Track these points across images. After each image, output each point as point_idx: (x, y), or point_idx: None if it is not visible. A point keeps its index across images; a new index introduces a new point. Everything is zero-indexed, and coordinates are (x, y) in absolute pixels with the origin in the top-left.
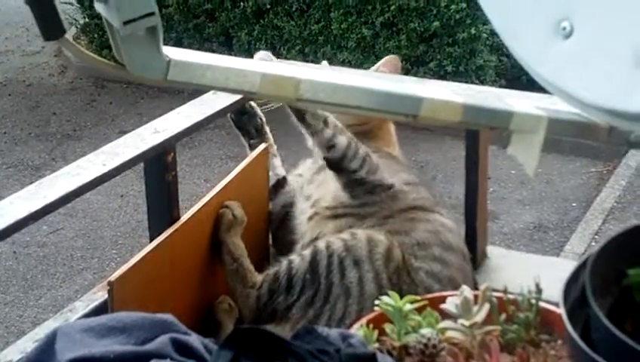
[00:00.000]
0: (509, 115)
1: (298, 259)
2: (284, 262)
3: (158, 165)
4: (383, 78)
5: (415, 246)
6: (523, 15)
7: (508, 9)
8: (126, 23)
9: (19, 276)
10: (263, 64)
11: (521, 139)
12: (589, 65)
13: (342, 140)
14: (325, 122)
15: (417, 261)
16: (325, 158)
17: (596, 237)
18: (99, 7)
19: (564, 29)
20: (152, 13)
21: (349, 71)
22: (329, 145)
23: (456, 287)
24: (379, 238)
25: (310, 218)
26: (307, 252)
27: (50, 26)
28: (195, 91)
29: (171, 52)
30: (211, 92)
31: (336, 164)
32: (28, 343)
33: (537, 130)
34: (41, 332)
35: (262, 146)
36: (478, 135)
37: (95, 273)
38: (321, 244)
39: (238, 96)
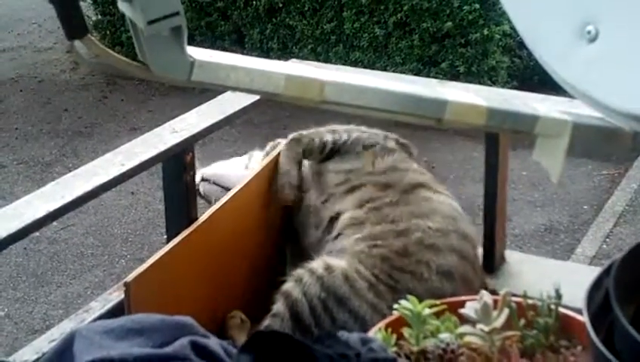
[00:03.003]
0: (534, 120)
1: (277, 320)
2: (263, 325)
3: (177, 165)
4: (409, 81)
5: (437, 232)
6: (547, 19)
7: (532, 12)
8: (150, 22)
9: (29, 272)
10: (287, 66)
11: (546, 143)
12: (613, 70)
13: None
14: None
15: (436, 255)
16: None
17: (607, 240)
18: (122, 6)
19: (589, 32)
20: (176, 13)
21: (372, 73)
22: None
23: (467, 282)
24: (353, 275)
25: (325, 200)
26: (281, 307)
27: (74, 25)
28: (206, 89)
29: (195, 52)
30: (230, 91)
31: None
32: (44, 343)
33: (562, 134)
34: (56, 332)
35: (281, 145)
36: (497, 138)
37: (105, 270)
38: (296, 291)
39: (258, 96)
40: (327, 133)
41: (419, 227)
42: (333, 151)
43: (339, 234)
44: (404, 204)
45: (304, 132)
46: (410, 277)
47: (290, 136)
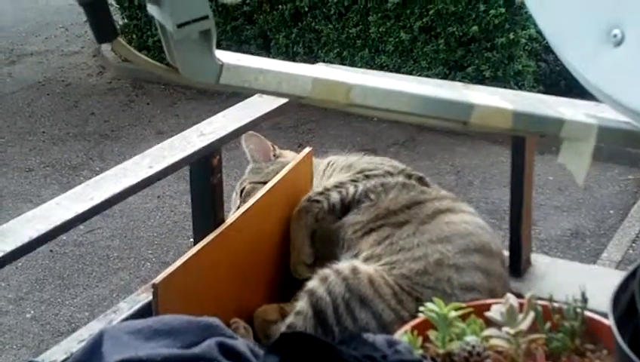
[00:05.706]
0: (559, 123)
1: (300, 317)
2: (286, 323)
3: (204, 168)
4: (434, 85)
5: (457, 253)
6: (573, 22)
7: (558, 16)
8: (180, 26)
9: (55, 275)
10: (315, 69)
11: (571, 147)
12: (639, 73)
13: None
14: None
15: (458, 273)
16: None
17: (633, 245)
18: (152, 9)
19: (615, 36)
20: (205, 17)
21: (399, 76)
22: None
23: (495, 297)
24: (378, 280)
25: (345, 250)
26: (305, 305)
27: (104, 28)
28: (233, 94)
29: (223, 55)
30: (257, 95)
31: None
32: (72, 343)
33: (588, 138)
34: (85, 332)
35: (306, 150)
36: (524, 142)
37: (131, 273)
38: (321, 290)
39: (284, 100)
40: (334, 191)
41: (437, 250)
42: (345, 208)
43: None
44: (421, 234)
45: (311, 193)
46: (432, 292)
47: (299, 206)
